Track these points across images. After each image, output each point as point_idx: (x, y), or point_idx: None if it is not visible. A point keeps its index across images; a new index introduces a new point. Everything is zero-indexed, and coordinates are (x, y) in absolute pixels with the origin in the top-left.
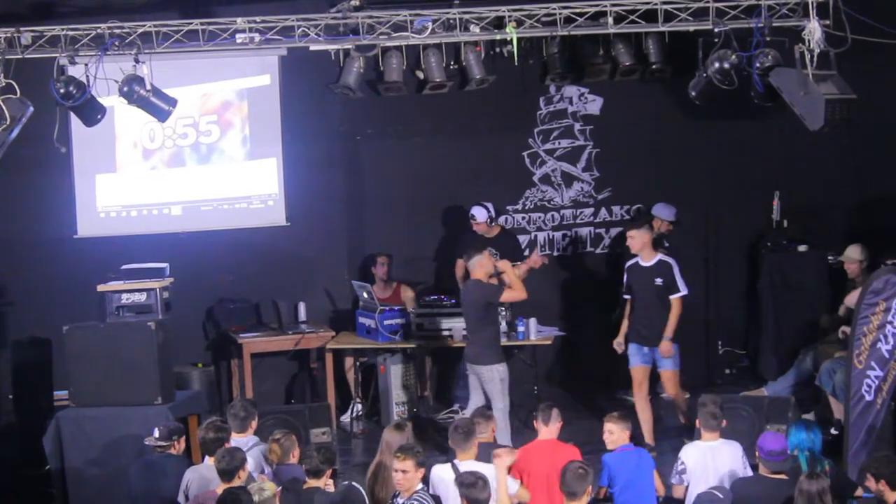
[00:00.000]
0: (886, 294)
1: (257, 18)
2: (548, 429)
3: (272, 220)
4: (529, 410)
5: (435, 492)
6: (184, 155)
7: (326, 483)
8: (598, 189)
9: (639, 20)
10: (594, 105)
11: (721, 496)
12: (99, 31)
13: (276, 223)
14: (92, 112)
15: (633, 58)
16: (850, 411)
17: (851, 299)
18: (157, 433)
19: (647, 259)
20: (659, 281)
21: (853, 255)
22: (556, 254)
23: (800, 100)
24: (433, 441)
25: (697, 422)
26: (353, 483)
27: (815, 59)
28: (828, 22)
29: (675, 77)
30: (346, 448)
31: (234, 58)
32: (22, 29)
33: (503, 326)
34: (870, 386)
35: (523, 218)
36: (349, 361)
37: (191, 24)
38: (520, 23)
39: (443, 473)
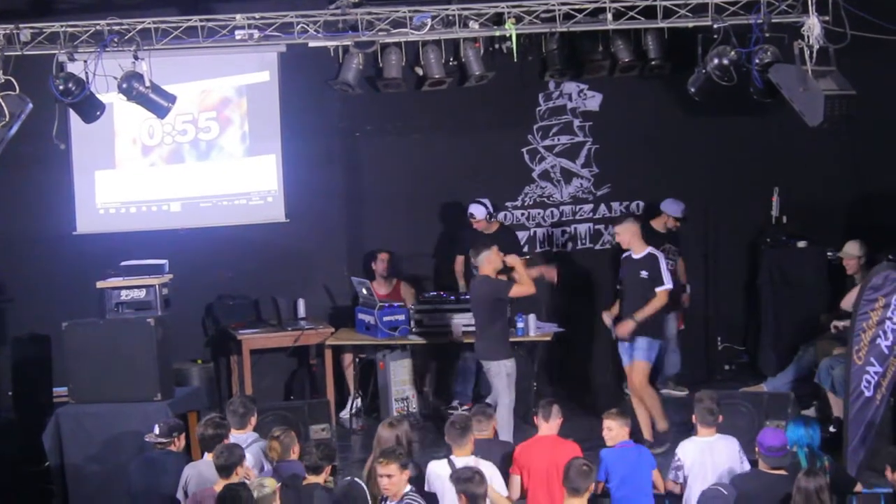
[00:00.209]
0: (886, 290)
1: (256, 15)
2: (548, 425)
3: (271, 216)
4: (529, 407)
5: (431, 488)
6: (183, 151)
7: (326, 480)
8: (598, 185)
9: (638, 16)
10: (593, 101)
11: (726, 492)
12: (98, 27)
13: (276, 220)
14: (91, 109)
15: (633, 54)
16: (850, 407)
17: (848, 302)
18: (157, 430)
19: (638, 252)
20: (644, 274)
21: (852, 250)
22: (554, 250)
23: (799, 96)
24: (434, 436)
25: (694, 417)
26: (355, 479)
27: (814, 55)
28: (827, 18)
29: (675, 73)
30: (346, 444)
31: (234, 54)
32: (21, 25)
33: None
34: (869, 382)
35: (522, 214)
36: (348, 358)
37: (190, 20)
38: (519, 19)
39: (439, 469)
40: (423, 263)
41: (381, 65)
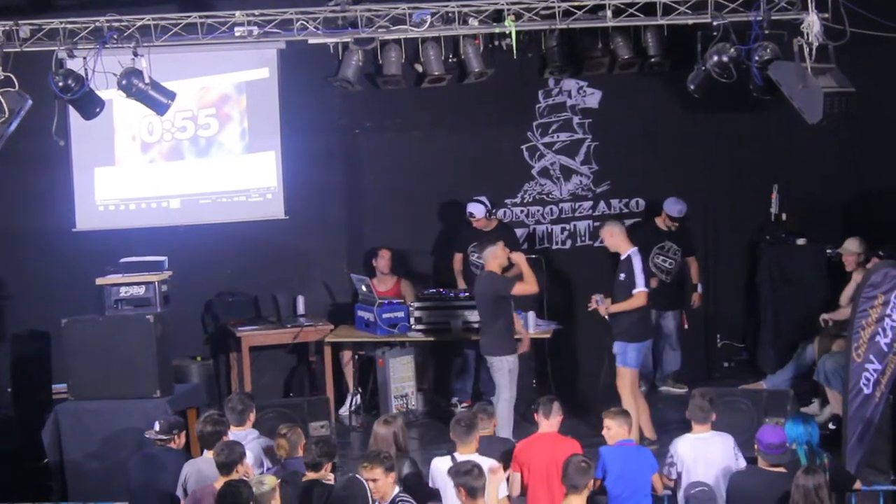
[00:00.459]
0: (885, 287)
1: (256, 12)
2: (548, 422)
3: (271, 213)
4: (528, 404)
5: (434, 485)
6: (182, 148)
7: (326, 476)
8: (597, 182)
9: (637, 13)
10: (593, 98)
11: (707, 489)
12: (97, 24)
13: (275, 216)
14: (90, 105)
15: (632, 51)
16: (849, 405)
17: (845, 298)
18: (157, 427)
19: (623, 253)
20: (622, 276)
21: (851, 247)
22: (554, 247)
23: (798, 93)
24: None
25: (687, 414)
26: (356, 475)
27: (813, 52)
28: (826, 15)
29: (674, 70)
30: (345, 441)
31: (233, 51)
32: (20, 22)
33: None
34: (868, 379)
35: (522, 211)
36: (347, 355)
37: (189, 17)
38: (518, 16)
39: (443, 466)
40: (423, 260)
41: (380, 61)
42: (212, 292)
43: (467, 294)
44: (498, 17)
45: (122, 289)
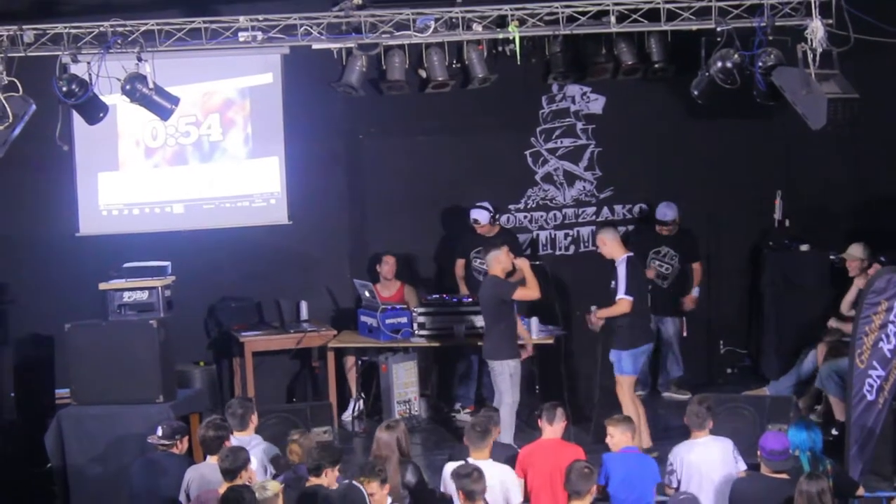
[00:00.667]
0: (889, 293)
1: (260, 17)
2: (552, 428)
3: (274, 218)
4: (531, 410)
5: (447, 490)
6: (186, 153)
7: (328, 482)
8: (601, 188)
9: (641, 19)
10: (596, 104)
11: (690, 496)
12: (101, 29)
13: (279, 222)
14: (94, 110)
15: (636, 57)
16: (852, 411)
17: (846, 306)
18: (160, 432)
19: (617, 259)
20: (612, 283)
21: (856, 252)
22: (557, 253)
23: (802, 99)
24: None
25: (685, 420)
26: (353, 482)
27: (817, 58)
28: (830, 21)
29: (678, 76)
30: (348, 447)
31: (237, 56)
32: (25, 27)
33: None
34: (871, 385)
35: (525, 217)
36: (350, 360)
37: (193, 22)
38: (522, 21)
39: None
40: (426, 266)
41: (384, 67)
42: (215, 297)
43: (470, 300)
44: (502, 22)
45: (126, 294)
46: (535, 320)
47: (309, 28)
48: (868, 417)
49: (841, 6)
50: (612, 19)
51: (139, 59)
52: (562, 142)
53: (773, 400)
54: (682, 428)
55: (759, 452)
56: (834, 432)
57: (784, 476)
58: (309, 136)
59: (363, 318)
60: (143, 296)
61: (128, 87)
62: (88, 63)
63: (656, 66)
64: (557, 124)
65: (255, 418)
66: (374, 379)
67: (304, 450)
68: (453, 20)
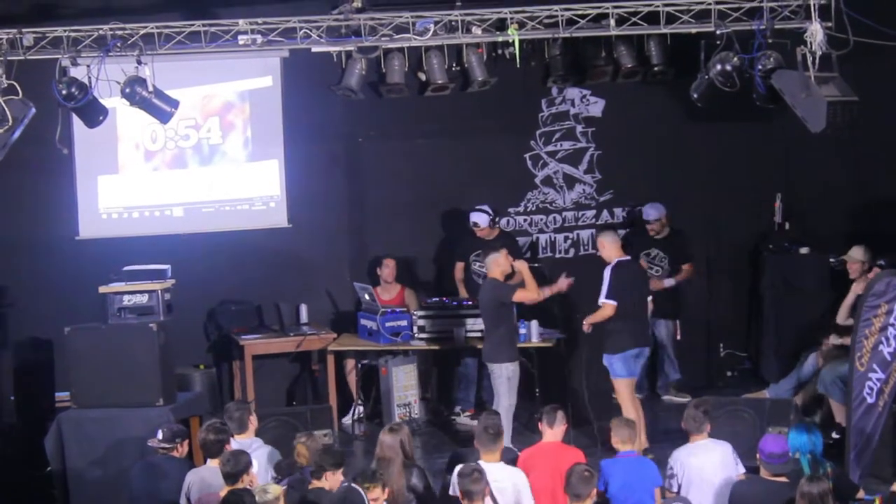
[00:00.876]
0: (888, 296)
1: (259, 20)
2: (552, 431)
3: (274, 221)
4: (531, 413)
5: (456, 492)
6: (186, 156)
7: (331, 485)
8: (600, 191)
9: (641, 22)
10: (596, 107)
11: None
12: (101, 32)
13: (278, 225)
14: (94, 113)
15: (635, 60)
16: (852, 414)
17: (842, 317)
18: (160, 435)
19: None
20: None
21: (856, 255)
22: (557, 256)
23: (801, 102)
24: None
25: (683, 425)
26: (352, 485)
27: (816, 61)
28: (829, 24)
29: (677, 79)
30: (348, 450)
31: (236, 59)
32: (24, 30)
33: None
34: (871, 388)
35: (525, 220)
36: (350, 363)
37: (193, 25)
38: (522, 25)
39: None
40: (425, 269)
41: (383, 70)
42: (215, 301)
43: (470, 303)
44: (501, 25)
45: (126, 297)
46: (534, 323)
47: (308, 31)
48: (868, 421)
49: (840, 9)
50: (612, 22)
51: (139, 63)
52: (561, 145)
53: (773, 403)
54: (682, 431)
55: (757, 455)
56: (834, 435)
57: (783, 479)
58: (308, 139)
59: (363, 322)
60: (142, 299)
61: (127, 90)
62: (88, 66)
63: (656, 69)
64: (557, 127)
65: (253, 420)
66: (374, 382)
67: (310, 452)
68: (453, 23)
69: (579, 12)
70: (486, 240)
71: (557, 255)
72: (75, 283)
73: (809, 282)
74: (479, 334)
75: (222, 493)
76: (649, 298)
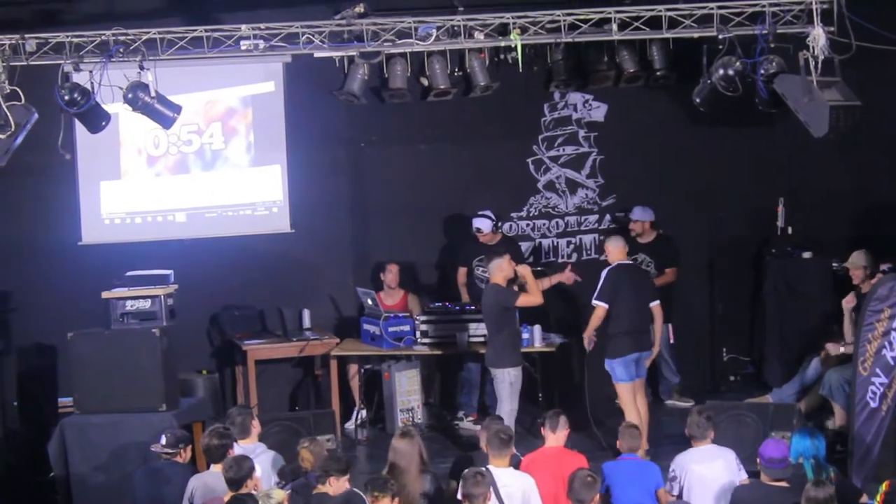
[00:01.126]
0: (892, 301)
1: (262, 25)
2: (555, 436)
3: (276, 226)
4: (533, 418)
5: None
6: (188, 162)
7: (336, 491)
8: (603, 196)
9: (643, 27)
10: (598, 112)
11: None
12: (103, 37)
13: (281, 230)
14: (96, 119)
15: (638, 64)
16: (855, 418)
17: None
18: (163, 440)
19: None
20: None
21: (858, 260)
22: (560, 261)
23: (804, 106)
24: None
25: (686, 431)
26: (355, 489)
27: (819, 65)
28: (832, 28)
29: (680, 84)
30: (351, 455)
31: (239, 65)
32: (27, 36)
33: None
34: (874, 393)
35: (527, 225)
36: (353, 368)
37: (195, 30)
38: (524, 30)
39: None
40: (428, 274)
41: (386, 75)
42: (218, 306)
43: (473, 308)
44: (503, 30)
45: (128, 302)
46: (537, 328)
47: (311, 36)
48: (871, 425)
49: (842, 14)
50: (614, 27)
51: (141, 68)
52: (564, 149)
53: (777, 407)
54: (684, 435)
55: (758, 460)
56: (839, 448)
57: (783, 484)
58: (311, 144)
59: (366, 326)
60: (145, 304)
61: (130, 95)
62: (91, 72)
63: (658, 73)
64: (559, 132)
65: (256, 424)
66: (377, 387)
67: (314, 456)
68: (455, 28)
69: (582, 17)
70: (489, 245)
71: (560, 260)
72: (78, 289)
73: (812, 286)
74: (482, 339)
75: (226, 499)
76: (657, 302)
